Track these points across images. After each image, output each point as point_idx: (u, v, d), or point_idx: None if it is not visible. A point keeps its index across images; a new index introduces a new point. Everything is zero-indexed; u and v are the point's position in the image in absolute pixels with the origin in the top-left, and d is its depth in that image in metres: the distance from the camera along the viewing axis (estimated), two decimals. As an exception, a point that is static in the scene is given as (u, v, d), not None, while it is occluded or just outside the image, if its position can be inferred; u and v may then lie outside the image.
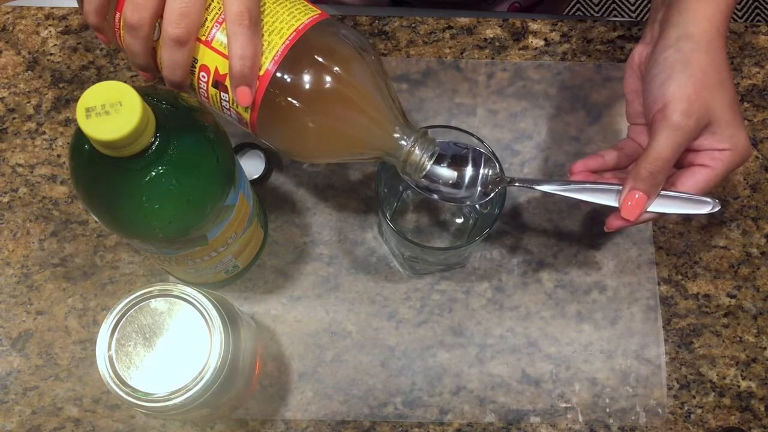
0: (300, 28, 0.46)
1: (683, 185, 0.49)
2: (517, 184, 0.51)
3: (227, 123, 0.50)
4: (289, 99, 0.46)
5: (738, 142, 0.48)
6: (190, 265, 0.52)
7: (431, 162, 0.49)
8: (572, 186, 0.50)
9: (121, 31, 0.48)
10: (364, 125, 0.47)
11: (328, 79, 0.46)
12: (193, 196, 0.45)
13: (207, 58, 0.46)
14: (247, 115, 0.48)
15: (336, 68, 0.46)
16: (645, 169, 0.47)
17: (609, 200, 0.49)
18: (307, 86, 0.45)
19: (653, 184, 0.47)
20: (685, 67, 0.47)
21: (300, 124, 0.47)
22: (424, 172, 0.49)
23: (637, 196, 0.48)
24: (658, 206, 0.48)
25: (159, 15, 0.45)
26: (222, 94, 0.47)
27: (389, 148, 0.48)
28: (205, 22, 0.46)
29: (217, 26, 0.46)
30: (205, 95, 0.48)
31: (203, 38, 0.46)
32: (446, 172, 0.52)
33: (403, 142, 0.48)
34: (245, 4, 0.44)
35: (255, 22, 0.44)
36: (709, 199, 0.49)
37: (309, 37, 0.46)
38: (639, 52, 0.52)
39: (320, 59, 0.46)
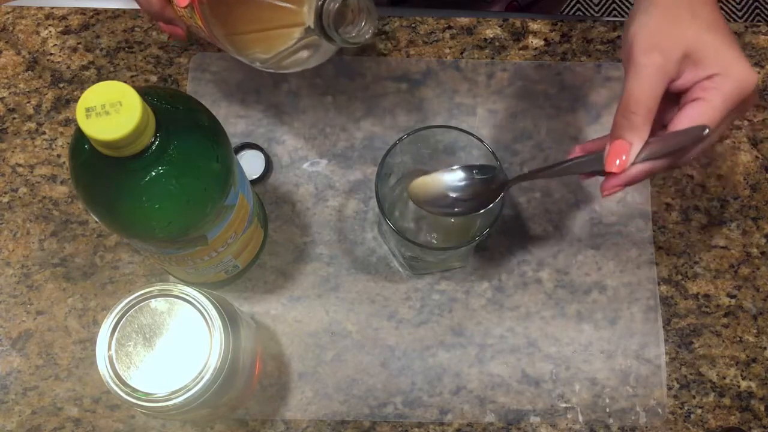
0: None
1: (677, 126, 0.45)
2: (522, 182, 0.50)
3: (227, 123, 0.50)
4: None
5: (728, 65, 0.44)
6: (190, 265, 0.52)
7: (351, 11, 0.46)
8: (568, 164, 0.48)
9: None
10: None
11: None
12: (193, 196, 0.45)
13: None
14: (199, 21, 0.49)
15: None
16: (619, 115, 0.45)
17: (600, 165, 0.46)
18: None
19: (630, 128, 0.44)
20: (648, 7, 0.45)
21: (218, 11, 0.47)
22: (344, 31, 0.46)
23: (620, 149, 0.45)
24: (648, 151, 0.45)
25: None
26: (184, 10, 0.49)
27: (302, 12, 0.46)
28: None
29: None
30: (188, 21, 0.51)
31: None
32: (450, 198, 0.53)
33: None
34: None
35: None
36: (697, 126, 0.44)
37: None
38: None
39: None
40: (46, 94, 0.65)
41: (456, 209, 0.53)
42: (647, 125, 0.45)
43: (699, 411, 0.59)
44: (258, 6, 0.47)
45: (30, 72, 0.65)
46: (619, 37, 0.67)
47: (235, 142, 0.63)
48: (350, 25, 0.47)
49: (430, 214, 0.56)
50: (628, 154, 0.45)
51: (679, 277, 0.62)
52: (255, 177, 0.62)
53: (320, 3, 0.45)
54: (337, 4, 0.45)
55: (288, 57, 0.50)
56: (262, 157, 0.62)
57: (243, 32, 0.49)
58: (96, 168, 0.43)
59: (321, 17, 0.45)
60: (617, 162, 0.45)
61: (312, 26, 0.46)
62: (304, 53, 0.50)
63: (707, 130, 0.44)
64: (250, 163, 0.62)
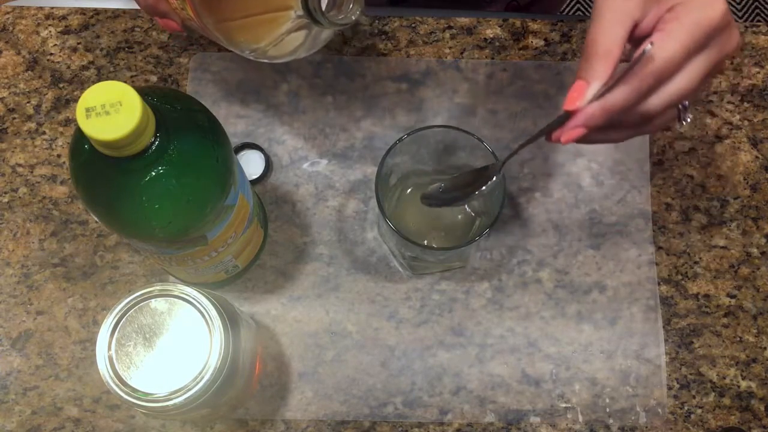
0: None
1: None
2: (512, 157, 0.50)
3: (227, 123, 0.50)
4: None
5: None
6: (190, 265, 0.52)
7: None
8: (543, 129, 0.47)
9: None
10: None
11: None
12: (193, 196, 0.45)
13: None
14: (190, 11, 0.49)
15: None
16: (581, 60, 0.44)
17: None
18: None
19: (589, 68, 0.44)
20: None
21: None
22: (332, 16, 0.47)
23: (578, 87, 0.44)
24: (606, 90, 0.44)
25: None
26: (177, 2, 0.49)
27: None
28: None
29: None
30: (181, 14, 0.51)
31: None
32: (449, 194, 0.53)
33: None
34: None
35: None
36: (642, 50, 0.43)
37: None
38: None
39: None
40: (46, 94, 0.65)
41: (455, 199, 0.53)
42: (606, 66, 0.44)
43: (699, 411, 0.59)
44: None
45: (30, 72, 0.65)
46: (619, 37, 0.67)
47: (235, 142, 0.63)
48: (336, 9, 0.47)
49: (430, 208, 0.56)
50: (585, 92, 0.44)
51: (679, 277, 0.62)
52: (255, 177, 0.62)
53: None
54: (345, 14, 0.46)
55: (279, 44, 0.50)
56: (262, 157, 0.62)
57: (232, 19, 0.49)
58: (96, 168, 0.43)
59: (307, 5, 0.45)
60: (576, 99, 0.44)
61: (299, 10, 0.46)
62: (296, 40, 0.50)
63: (650, 46, 0.42)
64: (250, 163, 0.62)
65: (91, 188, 0.45)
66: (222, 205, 0.47)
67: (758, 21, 1.59)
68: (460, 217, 0.61)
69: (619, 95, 0.43)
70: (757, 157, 0.65)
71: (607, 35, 0.44)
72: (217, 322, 0.45)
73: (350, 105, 0.65)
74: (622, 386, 0.59)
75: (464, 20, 0.67)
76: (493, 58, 0.66)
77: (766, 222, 0.63)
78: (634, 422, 0.58)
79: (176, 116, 0.44)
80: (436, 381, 0.59)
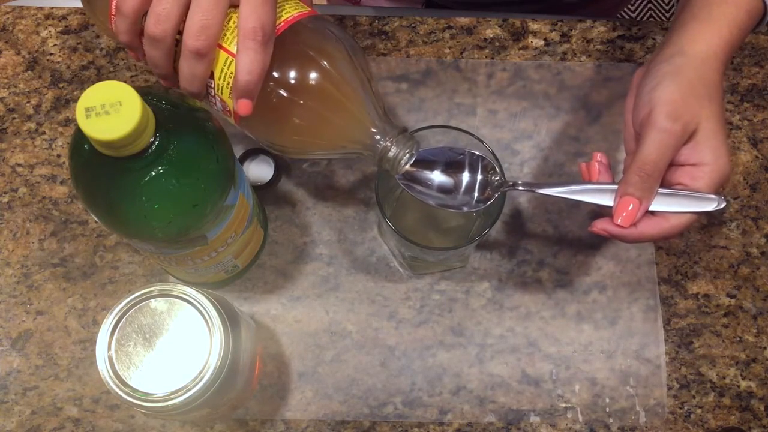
0: (289, 19, 0.47)
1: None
2: (520, 187, 0.51)
3: (227, 124, 0.50)
4: (273, 91, 0.46)
5: (719, 158, 0.47)
6: (190, 265, 0.52)
7: (408, 160, 0.49)
8: (573, 188, 0.50)
9: (113, 18, 0.48)
10: (343, 120, 0.47)
11: (311, 73, 0.46)
12: (193, 196, 0.45)
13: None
14: (233, 120, 0.48)
15: (321, 62, 0.46)
16: (635, 174, 0.47)
17: (611, 201, 0.49)
18: (291, 80, 0.46)
19: (644, 189, 0.47)
20: (675, 76, 0.47)
21: (282, 117, 0.47)
22: (400, 170, 0.49)
23: (630, 206, 0.47)
24: (658, 205, 0.48)
25: (181, 27, 0.44)
26: (208, 79, 0.48)
27: (367, 144, 0.48)
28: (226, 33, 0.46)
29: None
30: (211, 99, 0.49)
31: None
32: (439, 179, 0.52)
33: (379, 138, 0.48)
34: (260, 20, 0.44)
35: (268, 38, 0.44)
36: (713, 196, 0.47)
37: (296, 30, 0.47)
38: (639, 72, 0.52)
39: (304, 52, 0.46)
40: (46, 94, 0.65)
41: (452, 201, 0.53)
42: (657, 187, 0.48)
43: (699, 411, 0.59)
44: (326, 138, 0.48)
45: (30, 72, 0.65)
46: (619, 36, 0.67)
47: (244, 147, 0.63)
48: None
49: (430, 208, 0.56)
50: (639, 211, 0.47)
51: (679, 277, 0.62)
52: (264, 182, 0.61)
53: (390, 153, 0.48)
54: (406, 166, 0.49)
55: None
56: (271, 162, 0.62)
57: (290, 146, 0.50)
58: (96, 168, 0.43)
59: (382, 160, 0.48)
60: (631, 219, 0.48)
61: (370, 158, 0.49)
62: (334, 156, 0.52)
63: (723, 205, 0.48)
64: (259, 169, 0.62)
65: (91, 188, 0.45)
66: (222, 205, 0.47)
67: (758, 21, 1.59)
68: (459, 217, 0.61)
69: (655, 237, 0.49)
70: (756, 156, 0.65)
71: (665, 160, 0.47)
72: (217, 322, 0.45)
73: (350, 105, 0.65)
74: (622, 386, 0.59)
75: (464, 20, 0.67)
76: (492, 58, 0.66)
77: (766, 222, 0.63)
78: (634, 422, 0.58)
79: (176, 116, 0.44)
80: (436, 381, 0.59)
